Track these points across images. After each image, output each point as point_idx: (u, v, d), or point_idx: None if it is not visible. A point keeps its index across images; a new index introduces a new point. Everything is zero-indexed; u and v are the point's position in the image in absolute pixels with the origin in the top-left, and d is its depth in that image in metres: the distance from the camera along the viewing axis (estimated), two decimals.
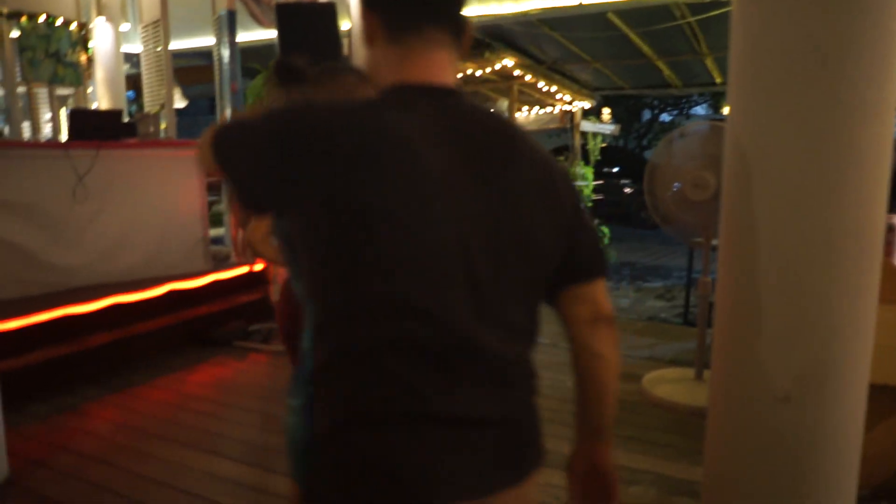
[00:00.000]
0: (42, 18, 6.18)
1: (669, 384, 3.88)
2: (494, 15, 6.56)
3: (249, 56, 6.94)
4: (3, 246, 4.36)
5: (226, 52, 5.90)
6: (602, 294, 1.12)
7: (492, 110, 1.10)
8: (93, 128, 4.70)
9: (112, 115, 5.06)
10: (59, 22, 6.31)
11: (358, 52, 5.20)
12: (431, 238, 0.93)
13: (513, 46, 7.88)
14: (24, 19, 6.05)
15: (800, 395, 1.42)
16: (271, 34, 4.92)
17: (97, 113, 5.84)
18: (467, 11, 1.06)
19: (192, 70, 10.23)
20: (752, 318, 1.52)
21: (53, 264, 4.51)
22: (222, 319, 5.07)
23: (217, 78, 6.07)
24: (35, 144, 5.15)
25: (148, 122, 5.17)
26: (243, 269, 5.45)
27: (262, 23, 5.40)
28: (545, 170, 1.05)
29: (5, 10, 5.94)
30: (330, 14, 4.76)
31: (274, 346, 4.72)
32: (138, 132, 5.13)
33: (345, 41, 5.25)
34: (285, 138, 0.94)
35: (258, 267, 5.41)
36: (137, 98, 11.61)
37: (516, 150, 1.02)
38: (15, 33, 6.11)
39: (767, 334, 1.50)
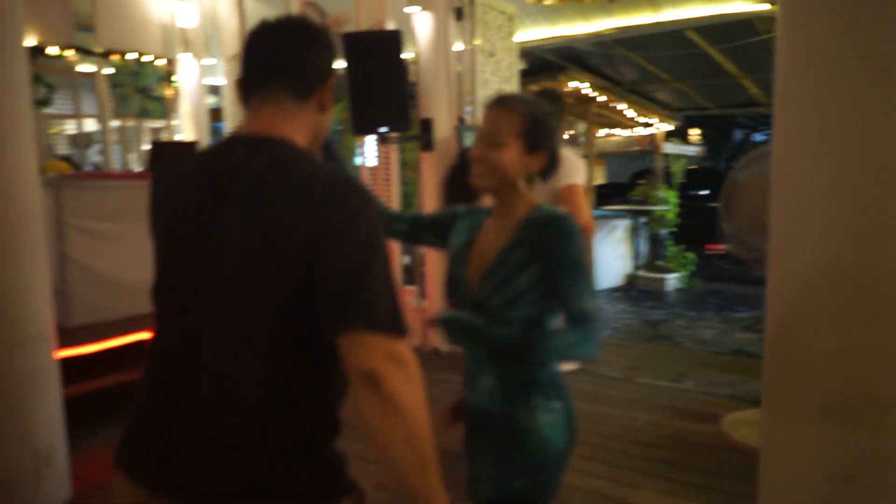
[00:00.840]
0: (132, 56, 6.54)
1: (751, 427, 3.56)
2: (566, 36, 6.44)
3: None
4: (85, 272, 4.57)
5: None
6: (360, 347, 1.01)
7: (278, 158, 1.12)
8: (170, 158, 4.87)
9: (189, 146, 5.24)
10: (147, 59, 6.66)
11: (424, 80, 5.18)
12: (161, 278, 1.18)
13: (587, 68, 7.71)
14: (115, 57, 6.42)
15: (864, 475, 1.18)
16: (341, 64, 4.99)
17: (175, 144, 6.08)
18: (326, 67, 1.22)
19: None
20: (804, 380, 1.30)
21: (133, 290, 4.67)
22: None
23: None
24: (116, 175, 5.41)
25: None
26: None
27: None
28: (282, 219, 1.05)
29: (100, 50, 6.31)
30: (394, 42, 4.76)
31: None
32: None
33: (411, 69, 5.25)
34: None
35: None
36: None
37: (256, 201, 1.07)
38: (108, 70, 6.49)
39: (822, 402, 1.28)
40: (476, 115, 5.23)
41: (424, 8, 5.08)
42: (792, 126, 1.28)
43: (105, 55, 6.35)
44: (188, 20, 6.97)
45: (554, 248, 1.40)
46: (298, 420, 1.10)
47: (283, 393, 1.09)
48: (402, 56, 4.81)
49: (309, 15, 5.61)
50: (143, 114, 6.72)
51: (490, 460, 1.51)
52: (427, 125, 5.19)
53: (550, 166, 1.52)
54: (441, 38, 5.09)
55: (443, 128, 5.16)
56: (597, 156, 12.55)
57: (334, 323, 1.02)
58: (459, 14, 5.13)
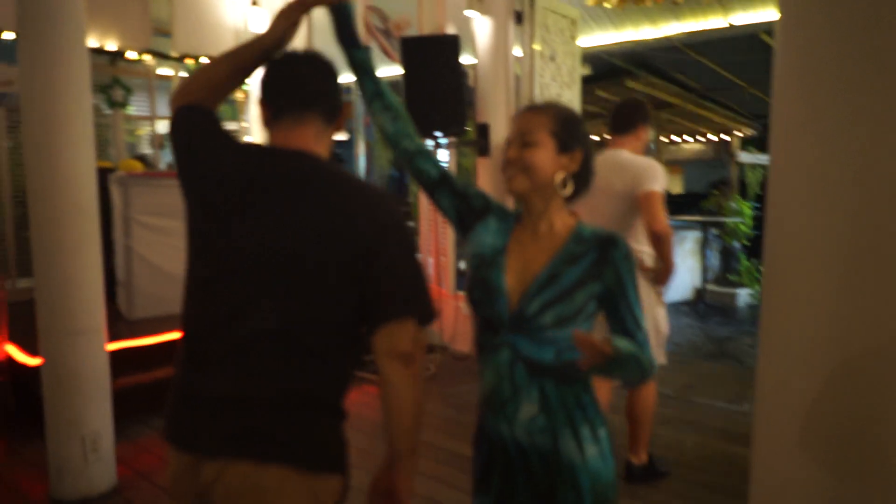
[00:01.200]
0: (205, 60, 6.78)
1: None
2: (632, 41, 6.26)
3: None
4: (148, 266, 4.77)
5: None
6: (399, 334, 1.26)
7: (330, 170, 1.36)
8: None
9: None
10: None
11: (482, 84, 5.14)
12: (201, 254, 1.33)
13: (656, 73, 7.47)
14: (189, 61, 6.68)
15: None
16: (397, 69, 5.02)
17: None
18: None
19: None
20: (799, 408, 1.17)
21: None
22: None
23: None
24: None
25: None
26: None
27: (391, 57, 5.52)
28: (340, 217, 1.27)
29: (176, 54, 6.59)
30: (452, 46, 4.75)
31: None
32: None
33: (469, 73, 5.22)
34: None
35: None
36: None
37: (313, 198, 1.28)
38: (183, 74, 6.76)
39: (819, 432, 1.16)
40: None
41: (484, 12, 5.05)
42: (789, 131, 1.17)
43: (180, 59, 6.62)
44: (259, 25, 7.18)
45: (621, 269, 1.37)
46: (314, 393, 1.29)
47: (303, 367, 1.26)
48: (460, 60, 4.79)
49: (370, 19, 5.67)
50: None
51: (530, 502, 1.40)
52: (484, 130, 5.15)
53: (586, 169, 1.46)
54: (500, 43, 5.05)
55: (500, 133, 5.11)
56: (672, 163, 12.17)
57: (387, 314, 1.26)
58: (519, 18, 5.06)
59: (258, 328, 1.23)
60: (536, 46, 4.99)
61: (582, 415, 1.37)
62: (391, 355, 1.25)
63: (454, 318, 5.39)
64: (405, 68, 4.83)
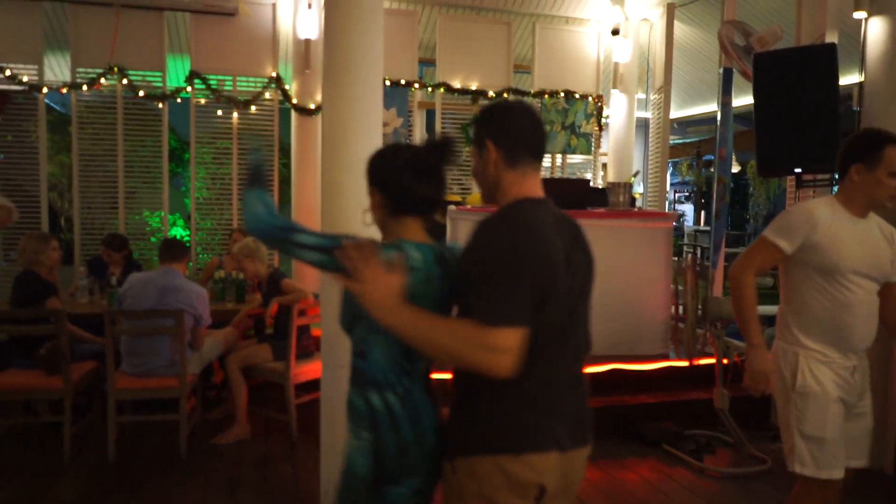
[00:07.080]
0: (563, 94, 6.72)
1: None
2: None
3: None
4: None
5: (720, 115, 5.31)
6: None
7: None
8: (559, 195, 4.77)
9: (580, 184, 5.08)
10: (577, 96, 6.76)
11: (872, 105, 3.92)
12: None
13: None
14: (546, 97, 6.68)
15: None
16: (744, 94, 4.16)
17: (565, 181, 5.98)
18: None
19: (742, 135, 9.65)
20: None
21: None
22: (657, 413, 4.46)
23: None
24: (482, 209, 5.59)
25: (618, 190, 4.99)
26: (706, 361, 4.74)
27: (749, 78, 4.62)
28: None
29: (534, 91, 6.66)
30: (826, 59, 3.73)
31: (708, 465, 3.89)
32: (609, 201, 5.01)
33: (853, 92, 4.05)
34: None
35: (710, 362, 4.60)
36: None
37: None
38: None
39: None
40: None
41: (878, 12, 3.85)
42: None
43: (538, 95, 6.67)
44: (623, 55, 6.83)
45: None
46: None
47: None
48: (836, 77, 3.73)
49: (730, 37, 4.84)
50: (567, 150, 6.84)
51: None
52: None
53: (390, 199, 1.65)
54: None
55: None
56: None
57: None
58: None
59: None
60: None
61: (352, 415, 1.60)
62: None
63: None
64: (757, 90, 3.97)
